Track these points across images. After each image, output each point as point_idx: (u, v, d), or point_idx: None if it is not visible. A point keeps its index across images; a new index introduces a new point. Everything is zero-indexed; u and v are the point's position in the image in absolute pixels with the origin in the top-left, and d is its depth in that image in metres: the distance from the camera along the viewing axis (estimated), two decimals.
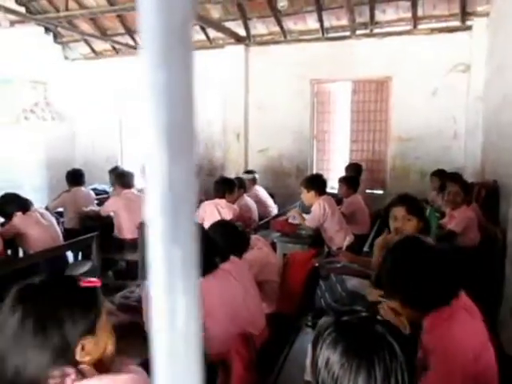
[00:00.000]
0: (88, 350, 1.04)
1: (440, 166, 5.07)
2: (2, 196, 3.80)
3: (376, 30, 5.85)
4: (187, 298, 0.23)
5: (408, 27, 5.69)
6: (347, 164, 5.72)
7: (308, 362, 1.12)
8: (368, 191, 5.59)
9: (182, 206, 0.23)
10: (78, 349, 1.02)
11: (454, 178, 3.97)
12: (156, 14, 0.22)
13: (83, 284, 1.08)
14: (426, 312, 1.38)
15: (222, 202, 4.10)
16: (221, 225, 2.54)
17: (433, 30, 5.60)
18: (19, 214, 3.70)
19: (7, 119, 6.45)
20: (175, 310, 0.23)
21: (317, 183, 4.02)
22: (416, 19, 5.55)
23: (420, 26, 5.65)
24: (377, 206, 5.25)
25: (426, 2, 5.39)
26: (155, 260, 0.24)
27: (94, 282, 1.11)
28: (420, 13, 5.52)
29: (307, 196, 3.97)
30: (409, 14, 5.54)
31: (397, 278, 1.43)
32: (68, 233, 4.45)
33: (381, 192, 6.04)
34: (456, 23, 5.46)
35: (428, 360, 1.29)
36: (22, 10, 6.50)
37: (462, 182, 3.80)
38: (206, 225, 3.83)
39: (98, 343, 1.08)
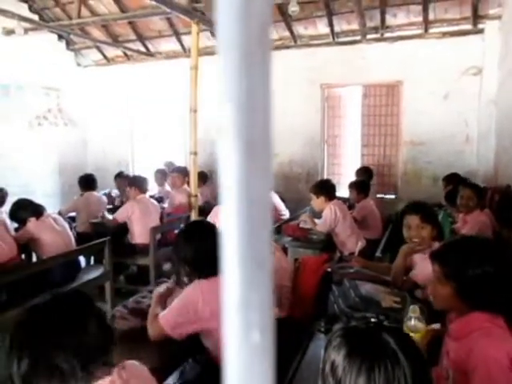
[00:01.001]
0: None
1: (452, 171, 5.03)
2: (16, 202, 3.85)
3: (387, 34, 5.83)
4: (262, 310, 0.23)
5: (419, 31, 5.66)
6: (357, 168, 5.70)
7: (321, 366, 1.13)
8: (379, 196, 5.56)
9: (259, 213, 0.23)
10: None
11: (465, 182, 3.94)
12: (235, 19, 0.21)
13: None
14: (472, 309, 1.35)
15: None
16: None
17: (444, 34, 5.57)
18: (33, 219, 3.74)
19: (21, 125, 6.55)
20: (250, 322, 0.23)
21: (326, 188, 4.02)
22: (427, 23, 5.53)
23: (431, 30, 5.62)
24: (388, 210, 5.22)
25: (437, 6, 5.36)
26: (230, 271, 0.23)
27: None
28: (431, 17, 5.49)
29: (317, 202, 3.97)
30: (420, 18, 5.52)
31: (470, 268, 1.38)
32: (80, 237, 4.49)
33: (392, 197, 6.00)
34: (468, 26, 5.43)
35: (462, 376, 1.26)
36: (36, 17, 6.61)
37: (474, 186, 3.77)
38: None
39: None
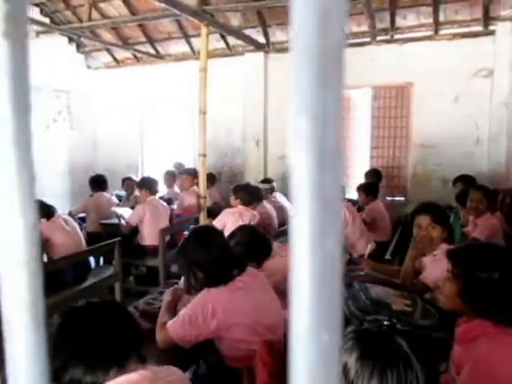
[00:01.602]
0: None
1: (462, 173, 4.99)
2: None
3: (397, 36, 5.81)
4: (332, 311, 0.23)
5: (429, 33, 5.64)
6: (366, 170, 5.68)
7: None
8: (389, 198, 5.53)
9: (331, 217, 0.23)
10: None
11: (476, 184, 3.91)
12: (312, 34, 0.21)
13: None
14: (476, 315, 1.34)
15: (244, 208, 4.11)
16: (248, 229, 2.56)
17: (455, 36, 5.54)
18: (43, 220, 3.78)
19: (35, 129, 6.59)
20: (319, 323, 0.23)
21: None
22: (437, 24, 5.50)
23: (442, 32, 5.59)
24: (398, 212, 5.20)
25: (447, 8, 5.33)
26: (301, 272, 0.23)
27: None
28: (442, 18, 5.46)
29: None
30: (430, 20, 5.49)
31: (477, 271, 1.37)
32: (90, 237, 4.53)
33: (402, 199, 5.97)
34: (479, 28, 5.39)
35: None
36: (47, 20, 6.68)
37: (484, 188, 3.73)
38: (228, 231, 3.87)
39: None
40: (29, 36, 0.20)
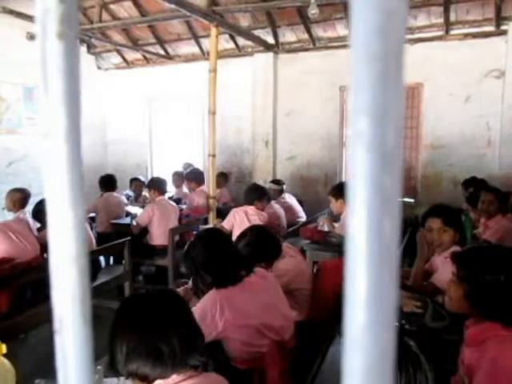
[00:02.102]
0: None
1: (473, 174, 4.95)
2: (39, 202, 3.93)
3: (407, 36, 5.76)
4: (387, 308, 0.23)
5: (440, 33, 5.60)
6: None
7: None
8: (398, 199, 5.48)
9: (389, 217, 0.23)
10: None
11: (487, 186, 3.88)
12: (374, 35, 0.22)
13: None
14: (484, 318, 1.33)
15: (252, 208, 4.11)
16: (258, 229, 2.56)
17: (466, 36, 5.49)
18: None
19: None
20: (374, 320, 0.23)
21: (344, 191, 4.00)
22: (448, 24, 5.46)
23: (453, 32, 5.55)
24: (407, 214, 5.16)
25: (458, 7, 5.29)
26: (357, 268, 0.23)
27: None
28: (452, 18, 5.42)
29: (336, 205, 3.96)
30: (441, 20, 5.45)
31: (483, 273, 1.37)
32: (100, 237, 4.56)
33: (411, 200, 5.94)
34: (490, 28, 5.34)
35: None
36: None
37: (495, 190, 3.70)
38: (236, 231, 3.88)
39: None
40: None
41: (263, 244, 2.42)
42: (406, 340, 0.95)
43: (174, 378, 1.11)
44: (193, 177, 5.52)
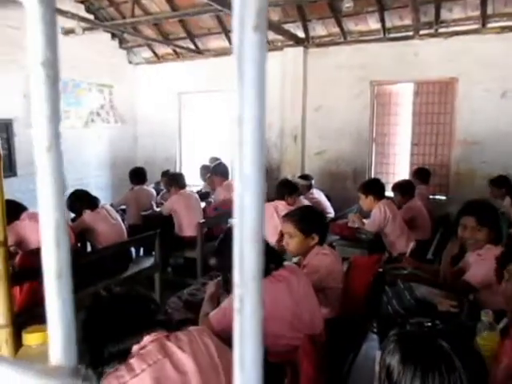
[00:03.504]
0: None
1: (509, 172, 4.82)
2: (73, 193, 4.04)
3: (441, 30, 5.63)
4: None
5: (476, 26, 5.43)
6: (415, 168, 5.52)
7: (377, 368, 1.15)
8: (430, 196, 5.39)
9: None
10: None
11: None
12: None
13: None
14: None
15: (281, 204, 4.12)
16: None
17: (503, 29, 5.31)
18: (88, 211, 3.92)
19: (77, 121, 6.85)
20: None
21: (375, 188, 3.96)
22: (485, 17, 5.29)
23: (489, 25, 5.37)
24: (439, 211, 5.06)
25: (496, 0, 5.12)
26: None
27: None
28: (489, 11, 5.25)
29: (365, 202, 3.92)
30: (477, 12, 5.29)
31: None
32: (130, 229, 4.66)
33: (443, 197, 5.81)
34: None
35: None
36: (91, 17, 6.87)
37: None
38: (266, 226, 3.89)
39: None
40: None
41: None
42: (438, 342, 0.94)
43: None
44: (218, 171, 5.56)
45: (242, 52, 0.21)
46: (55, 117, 0.24)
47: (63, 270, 0.22)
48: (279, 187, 4.23)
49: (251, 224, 0.21)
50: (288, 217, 2.49)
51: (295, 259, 2.51)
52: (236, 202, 0.22)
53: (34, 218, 3.42)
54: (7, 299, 2.14)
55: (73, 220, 4.09)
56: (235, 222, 0.21)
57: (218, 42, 7.02)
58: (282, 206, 4.07)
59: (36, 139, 0.23)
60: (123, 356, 1.27)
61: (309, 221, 2.44)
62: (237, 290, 0.21)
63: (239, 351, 0.20)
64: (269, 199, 4.36)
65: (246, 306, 0.21)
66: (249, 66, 0.21)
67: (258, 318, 0.21)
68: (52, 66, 0.23)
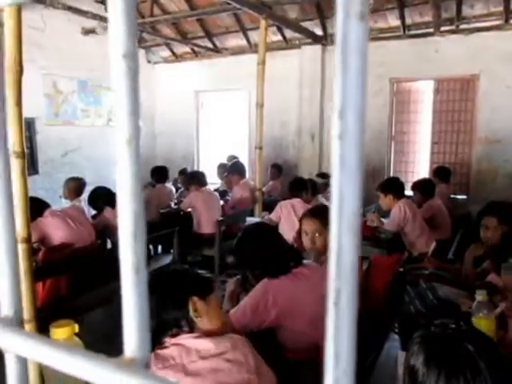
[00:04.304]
0: (199, 309, 1.32)
1: None
2: (94, 190, 4.10)
3: (462, 26, 5.54)
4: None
5: (498, 22, 5.33)
6: (435, 167, 5.45)
7: (400, 369, 1.14)
8: (451, 196, 5.31)
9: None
10: (191, 303, 1.31)
11: None
12: None
13: None
14: None
15: (297, 201, 4.11)
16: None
17: None
18: (109, 208, 3.97)
19: (99, 121, 6.95)
20: None
21: (394, 187, 3.92)
22: (508, 13, 5.19)
23: None
24: (459, 210, 4.99)
25: None
26: None
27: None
28: None
29: (385, 201, 3.88)
30: (500, 8, 5.19)
31: None
32: (149, 226, 4.70)
33: (464, 197, 5.73)
34: None
35: None
36: None
37: None
38: (283, 224, 3.89)
39: (208, 312, 1.34)
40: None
41: None
42: (463, 344, 0.93)
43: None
44: (235, 170, 5.57)
45: (347, 41, 0.21)
46: (136, 110, 0.24)
47: (140, 263, 0.22)
48: (292, 185, 4.23)
49: (350, 217, 0.21)
50: (313, 214, 2.49)
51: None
52: (334, 194, 0.22)
53: (57, 215, 3.48)
54: (31, 294, 2.19)
55: (93, 217, 4.16)
56: (333, 214, 0.22)
57: (235, 41, 7.04)
58: (299, 204, 4.06)
59: (117, 132, 0.24)
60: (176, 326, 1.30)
61: None
62: (333, 283, 0.21)
63: (334, 345, 0.21)
64: (285, 197, 4.37)
65: (342, 299, 0.21)
66: (353, 55, 0.21)
67: (353, 311, 0.21)
68: (133, 58, 0.24)
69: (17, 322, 0.27)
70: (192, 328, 1.32)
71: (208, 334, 1.32)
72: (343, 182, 0.21)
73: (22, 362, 0.28)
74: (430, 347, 0.96)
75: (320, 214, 2.47)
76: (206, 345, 1.28)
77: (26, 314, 2.09)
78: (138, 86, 0.25)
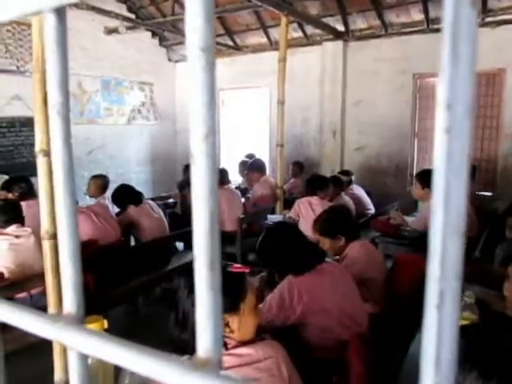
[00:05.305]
0: (232, 327, 1.22)
1: None
2: (119, 187, 4.16)
3: (488, 19, 5.41)
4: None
5: None
6: None
7: None
8: (476, 193, 5.20)
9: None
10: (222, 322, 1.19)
11: None
12: None
13: (233, 269, 1.20)
14: None
15: (316, 199, 4.09)
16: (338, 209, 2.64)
17: None
18: (132, 206, 4.03)
19: (121, 120, 7.05)
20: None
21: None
22: None
23: None
24: (485, 208, 4.87)
25: None
26: None
27: (243, 268, 1.23)
28: None
29: (420, 192, 3.76)
30: None
31: None
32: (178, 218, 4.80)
33: (489, 194, 5.60)
34: None
35: None
36: (133, 16, 7.03)
37: None
38: (302, 221, 3.88)
39: (243, 321, 1.24)
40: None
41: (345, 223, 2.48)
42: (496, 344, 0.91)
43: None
44: (254, 167, 5.56)
45: (457, 29, 0.21)
46: (212, 105, 0.24)
47: (215, 260, 0.22)
48: (309, 183, 4.21)
49: (456, 217, 0.21)
50: (313, 225, 2.56)
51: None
52: (438, 193, 0.22)
53: (83, 211, 3.55)
54: (57, 290, 2.24)
55: (117, 214, 4.22)
56: (436, 213, 0.22)
57: (256, 38, 7.03)
58: (316, 201, 4.04)
59: (192, 127, 0.24)
60: None
61: (330, 225, 2.49)
62: (436, 285, 0.21)
63: (435, 349, 0.20)
64: (303, 195, 4.37)
65: (445, 303, 0.21)
66: (464, 44, 0.21)
67: (456, 316, 0.21)
68: (211, 51, 0.24)
69: (80, 320, 0.28)
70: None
71: (242, 343, 1.26)
72: (449, 179, 0.21)
73: (84, 360, 0.29)
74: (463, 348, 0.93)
75: (315, 225, 2.53)
76: (246, 351, 1.24)
77: (53, 309, 2.13)
78: (215, 80, 0.25)
